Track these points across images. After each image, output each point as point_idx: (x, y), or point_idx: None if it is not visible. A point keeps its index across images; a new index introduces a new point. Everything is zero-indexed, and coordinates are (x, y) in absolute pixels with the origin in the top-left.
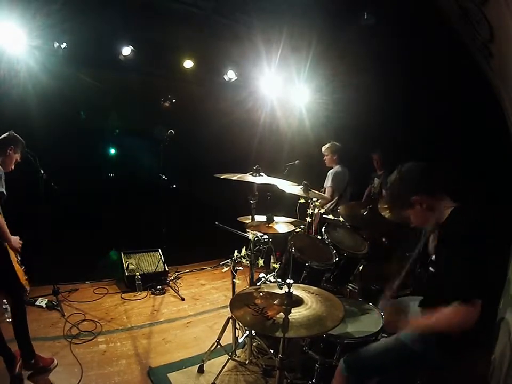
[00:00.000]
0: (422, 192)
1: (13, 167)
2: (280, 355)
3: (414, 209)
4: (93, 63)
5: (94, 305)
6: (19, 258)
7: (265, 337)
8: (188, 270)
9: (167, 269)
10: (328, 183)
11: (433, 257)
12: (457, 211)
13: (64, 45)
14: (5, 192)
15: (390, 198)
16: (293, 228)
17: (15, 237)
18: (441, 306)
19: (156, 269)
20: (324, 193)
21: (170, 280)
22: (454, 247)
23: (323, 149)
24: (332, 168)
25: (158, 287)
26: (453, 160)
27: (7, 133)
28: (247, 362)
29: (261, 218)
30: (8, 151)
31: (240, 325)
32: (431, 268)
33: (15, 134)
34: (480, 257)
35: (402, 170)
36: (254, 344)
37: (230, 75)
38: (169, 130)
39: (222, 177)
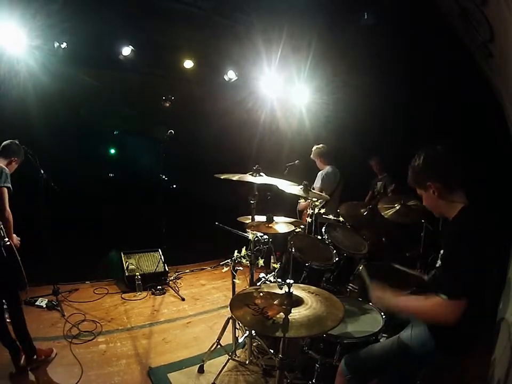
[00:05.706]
0: (437, 180)
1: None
2: (280, 355)
3: (427, 193)
4: (93, 63)
5: (94, 305)
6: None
7: (265, 337)
8: (188, 270)
9: (167, 269)
10: (317, 184)
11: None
12: (468, 210)
13: (64, 45)
14: (11, 187)
15: (411, 172)
16: (293, 227)
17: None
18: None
19: (156, 269)
20: None
21: (170, 280)
22: (457, 244)
23: (311, 155)
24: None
25: (158, 287)
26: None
27: (12, 142)
28: (247, 362)
29: (261, 218)
30: (13, 162)
31: (240, 325)
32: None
33: (18, 144)
34: (481, 258)
35: (427, 153)
36: (254, 344)
37: (230, 75)
38: (169, 130)
39: (222, 177)
